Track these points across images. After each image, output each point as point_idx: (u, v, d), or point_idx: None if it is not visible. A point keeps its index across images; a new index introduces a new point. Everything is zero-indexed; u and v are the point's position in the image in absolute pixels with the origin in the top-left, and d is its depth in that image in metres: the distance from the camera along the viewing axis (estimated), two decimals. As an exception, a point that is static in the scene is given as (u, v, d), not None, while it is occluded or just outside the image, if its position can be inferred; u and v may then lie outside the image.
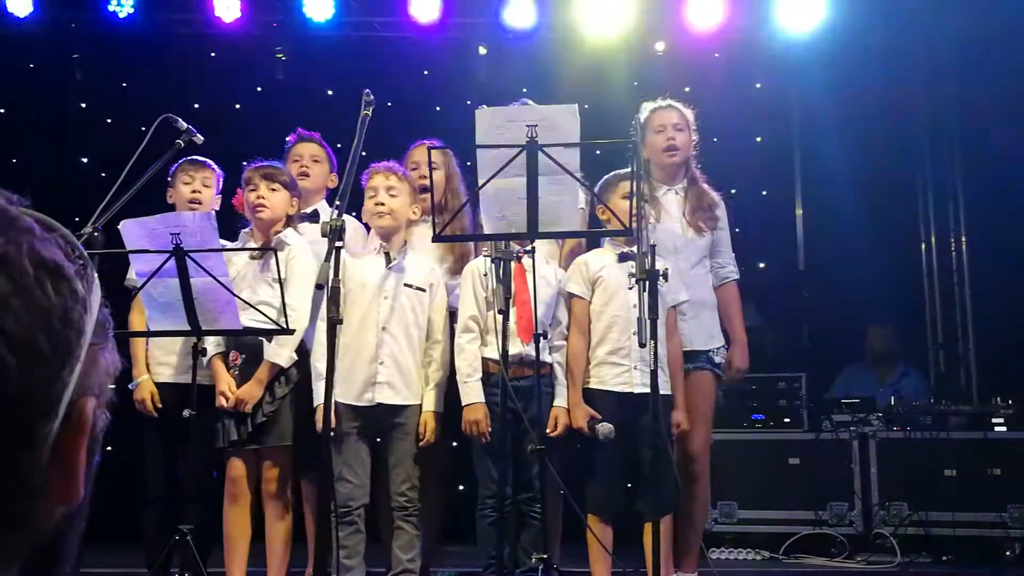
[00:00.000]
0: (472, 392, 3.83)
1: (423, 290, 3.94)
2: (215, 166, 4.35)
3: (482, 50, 6.46)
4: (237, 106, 6.77)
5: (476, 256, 4.15)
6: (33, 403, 0.67)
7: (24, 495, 0.69)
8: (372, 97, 3.51)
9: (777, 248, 6.70)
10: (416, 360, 3.93)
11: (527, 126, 3.15)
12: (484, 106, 3.33)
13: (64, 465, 0.70)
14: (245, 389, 3.79)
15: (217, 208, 4.28)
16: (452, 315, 4.02)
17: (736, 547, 5.53)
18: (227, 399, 3.78)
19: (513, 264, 3.62)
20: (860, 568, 5.15)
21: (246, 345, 3.85)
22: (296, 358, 3.88)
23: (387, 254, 3.92)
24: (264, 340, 3.80)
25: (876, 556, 5.26)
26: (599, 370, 3.91)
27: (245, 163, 4.13)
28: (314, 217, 4.32)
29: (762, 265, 6.43)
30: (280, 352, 3.84)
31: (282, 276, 3.87)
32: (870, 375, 6.42)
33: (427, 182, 4.05)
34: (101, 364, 0.73)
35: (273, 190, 3.98)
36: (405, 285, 3.90)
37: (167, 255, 3.28)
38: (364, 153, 4.43)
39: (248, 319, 3.67)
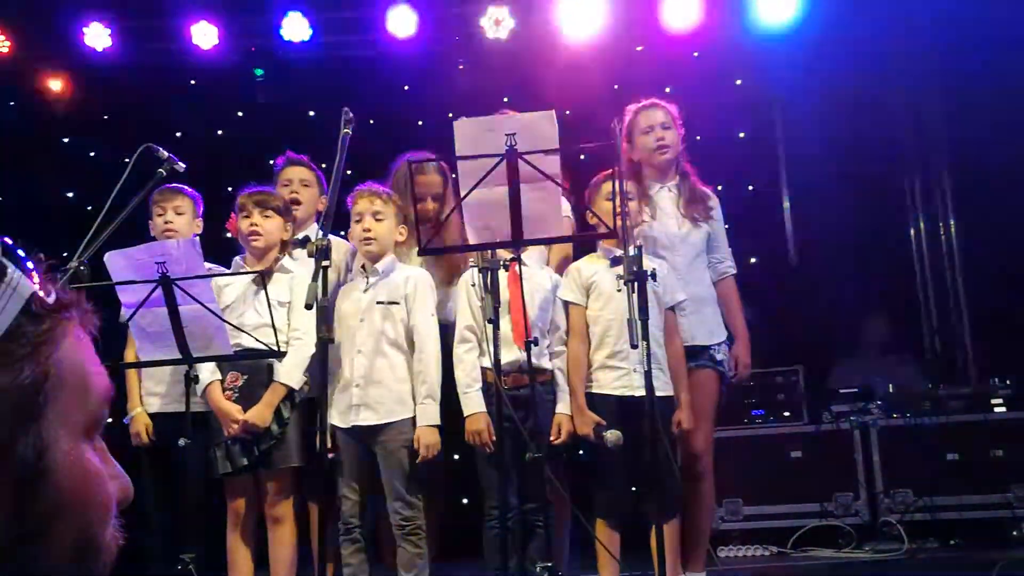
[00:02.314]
0: (473, 402, 3.81)
1: (396, 303, 3.86)
2: (188, 190, 4.30)
3: (460, 67, 6.48)
4: (220, 132, 6.77)
5: (466, 266, 4.15)
6: None
7: None
8: (351, 115, 3.51)
9: (767, 242, 6.70)
10: (397, 376, 3.83)
11: (506, 135, 3.15)
12: (463, 118, 3.33)
13: None
14: (255, 413, 3.77)
15: (199, 232, 4.25)
16: (448, 327, 4.00)
17: (744, 544, 5.53)
18: (236, 426, 3.75)
19: (506, 272, 3.62)
20: (868, 557, 5.15)
21: (247, 366, 3.84)
22: (306, 379, 3.88)
23: (366, 278, 3.91)
24: (275, 361, 3.79)
25: (884, 544, 5.26)
26: (599, 374, 3.90)
27: (230, 188, 4.13)
28: (306, 243, 4.31)
29: (753, 260, 6.42)
30: (292, 374, 3.83)
31: (288, 300, 3.88)
32: (865, 364, 6.41)
33: (432, 193, 4.11)
34: None
35: (267, 217, 3.98)
36: (377, 303, 3.86)
37: (153, 284, 3.28)
38: (349, 172, 4.46)
39: (246, 343, 3.66)
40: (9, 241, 0.74)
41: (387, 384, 3.82)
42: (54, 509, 0.72)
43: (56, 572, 0.72)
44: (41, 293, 0.74)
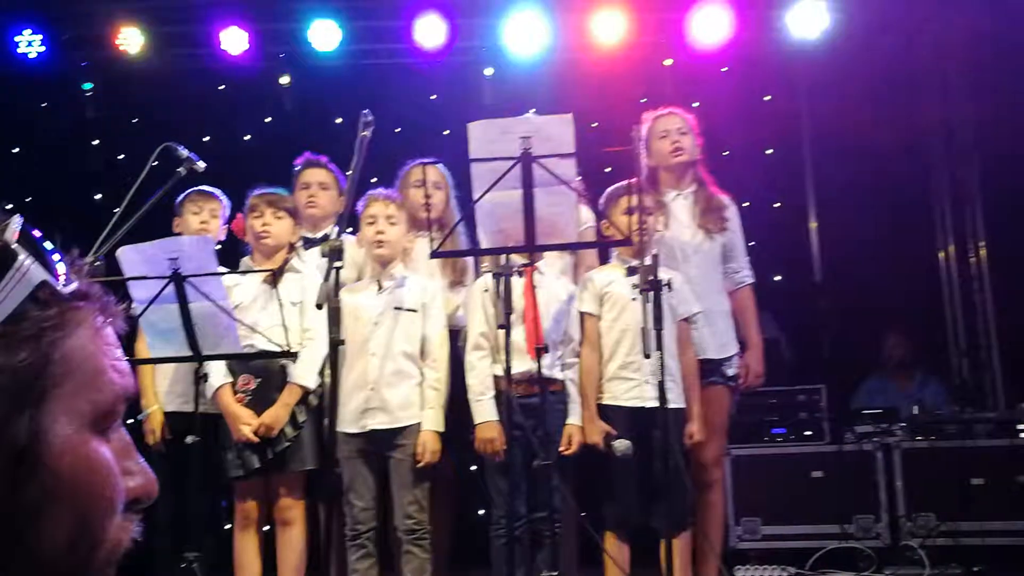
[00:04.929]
0: (485, 410, 3.79)
1: (414, 311, 3.90)
2: (223, 196, 4.37)
3: (487, 71, 6.47)
4: (247, 137, 6.81)
5: (476, 270, 4.13)
6: None
7: None
8: (371, 118, 3.50)
9: (792, 260, 6.62)
10: (409, 382, 3.87)
11: (521, 138, 3.13)
12: (478, 120, 3.30)
13: None
14: (271, 414, 3.76)
15: (223, 238, 4.30)
16: (456, 333, 3.99)
17: (761, 564, 5.43)
18: (247, 429, 3.74)
19: (522, 280, 3.60)
20: (888, 581, 5.04)
21: (260, 369, 3.83)
22: (320, 380, 3.87)
23: (378, 281, 3.91)
24: (289, 363, 3.79)
25: (905, 569, 5.14)
26: (611, 385, 3.87)
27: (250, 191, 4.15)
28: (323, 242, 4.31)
29: (777, 277, 6.35)
30: (307, 375, 3.83)
31: (300, 300, 3.88)
32: (889, 385, 6.31)
33: (432, 199, 4.05)
34: None
35: (278, 217, 4.00)
36: (395, 309, 3.87)
37: (166, 280, 3.28)
38: (375, 180, 4.45)
39: (257, 343, 3.66)
40: (34, 231, 0.76)
41: (399, 388, 3.83)
42: (47, 494, 0.72)
43: (48, 557, 0.72)
44: (55, 282, 0.75)
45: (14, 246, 0.74)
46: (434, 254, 3.42)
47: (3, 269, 0.73)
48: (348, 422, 3.80)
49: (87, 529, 0.75)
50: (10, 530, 0.71)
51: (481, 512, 5.08)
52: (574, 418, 3.86)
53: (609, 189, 3.99)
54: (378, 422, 3.79)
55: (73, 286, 0.77)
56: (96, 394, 0.77)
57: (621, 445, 3.67)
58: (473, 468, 4.37)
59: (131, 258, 3.34)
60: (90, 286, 0.79)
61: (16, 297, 0.72)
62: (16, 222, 0.76)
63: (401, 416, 3.82)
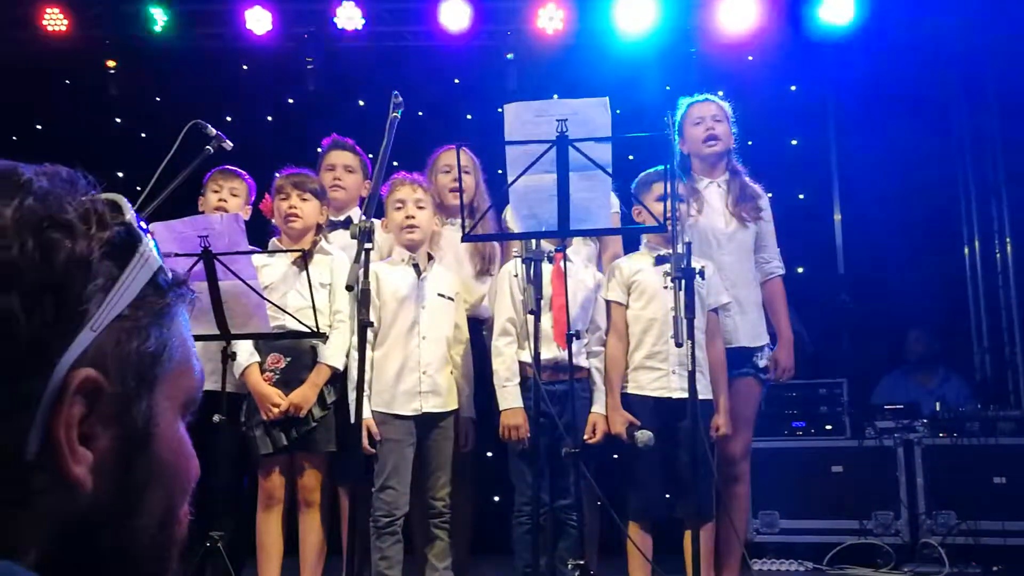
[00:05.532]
0: (511, 396, 3.77)
1: (451, 299, 3.93)
2: (247, 176, 4.35)
3: (509, 56, 6.42)
4: (269, 118, 6.79)
5: (503, 260, 4.11)
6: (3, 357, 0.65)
7: (14, 463, 0.66)
8: (401, 99, 3.46)
9: (816, 252, 6.58)
10: (449, 367, 3.93)
11: (557, 120, 3.08)
12: (514, 102, 3.26)
13: (50, 439, 0.67)
14: (300, 393, 3.74)
15: (247, 219, 4.27)
16: (479, 321, 3.99)
17: (779, 557, 5.41)
18: (277, 408, 3.72)
19: (550, 267, 3.57)
20: (907, 578, 5.01)
21: (289, 349, 3.81)
22: (347, 361, 3.86)
23: (415, 265, 3.89)
24: (318, 343, 3.77)
25: (923, 566, 5.10)
26: (636, 375, 3.84)
27: (278, 174, 4.12)
28: (348, 224, 4.28)
29: (800, 270, 6.31)
30: (337, 356, 3.82)
31: (329, 282, 3.87)
32: (911, 381, 6.27)
33: (463, 183, 4.02)
34: (125, 343, 0.71)
35: (304, 199, 3.97)
36: (438, 295, 3.88)
37: (195, 258, 3.25)
38: (396, 164, 4.42)
39: (287, 323, 3.63)
40: (137, 215, 0.76)
41: (445, 373, 3.88)
42: (151, 476, 0.74)
43: (143, 538, 0.74)
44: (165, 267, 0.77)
45: (136, 228, 0.74)
46: (466, 237, 3.38)
47: (130, 251, 0.72)
48: (400, 404, 3.78)
49: (172, 511, 0.77)
50: (117, 512, 0.72)
51: (497, 499, 5.07)
52: (598, 406, 3.83)
53: (642, 174, 3.95)
54: (432, 405, 3.82)
55: (170, 272, 0.78)
56: (187, 381, 0.78)
57: (643, 436, 3.64)
58: (489, 454, 4.35)
59: (161, 235, 3.31)
60: (182, 273, 0.79)
61: (140, 281, 0.73)
62: (126, 200, 0.75)
63: (447, 400, 3.86)
